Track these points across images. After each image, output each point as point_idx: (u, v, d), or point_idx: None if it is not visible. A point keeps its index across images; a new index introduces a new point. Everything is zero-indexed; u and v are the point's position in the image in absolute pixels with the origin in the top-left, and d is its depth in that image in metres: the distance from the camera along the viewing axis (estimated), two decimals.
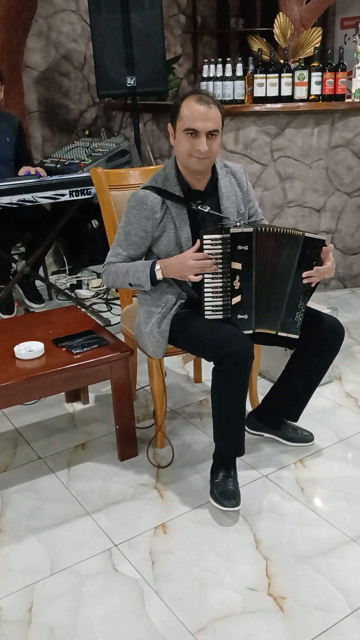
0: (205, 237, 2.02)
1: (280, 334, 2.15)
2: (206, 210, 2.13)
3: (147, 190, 2.15)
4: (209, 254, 2.03)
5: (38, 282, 4.12)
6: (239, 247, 2.02)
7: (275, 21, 4.05)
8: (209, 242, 2.02)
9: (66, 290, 4.20)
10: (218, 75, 3.79)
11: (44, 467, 2.39)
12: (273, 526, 2.05)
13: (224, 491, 2.09)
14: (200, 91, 2.10)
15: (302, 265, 2.09)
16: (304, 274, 2.09)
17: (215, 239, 2.02)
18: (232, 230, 2.01)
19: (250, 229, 2.03)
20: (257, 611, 1.73)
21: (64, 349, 2.27)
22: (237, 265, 2.04)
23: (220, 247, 2.03)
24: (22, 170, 3.60)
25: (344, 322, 2.99)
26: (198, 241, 2.04)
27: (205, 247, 2.02)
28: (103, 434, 2.60)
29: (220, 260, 2.04)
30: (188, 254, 2.05)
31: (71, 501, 2.19)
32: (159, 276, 2.10)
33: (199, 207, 2.12)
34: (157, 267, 2.10)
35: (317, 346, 2.21)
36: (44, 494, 2.23)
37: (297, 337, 2.15)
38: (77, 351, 2.24)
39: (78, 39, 5.06)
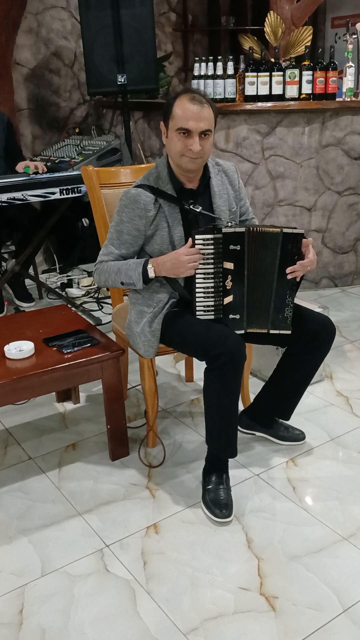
0: (197, 237, 2.02)
1: (271, 331, 2.15)
2: (197, 210, 2.12)
3: (140, 188, 2.14)
4: (200, 254, 2.03)
5: (28, 281, 4.09)
6: (231, 247, 2.02)
7: (266, 20, 4.04)
8: (201, 242, 2.02)
9: (57, 289, 4.18)
10: (209, 74, 3.78)
11: (35, 468, 2.37)
12: (265, 525, 2.05)
13: (216, 500, 2.09)
14: (193, 90, 2.09)
15: (285, 261, 2.09)
16: (288, 269, 2.09)
17: (207, 239, 2.02)
18: (225, 230, 2.01)
19: (242, 229, 2.03)
20: (249, 611, 1.73)
21: (54, 349, 2.26)
22: (229, 265, 2.03)
23: (212, 247, 2.03)
24: (20, 166, 3.56)
25: (335, 320, 3.00)
26: (190, 240, 2.04)
27: (197, 247, 2.02)
28: (94, 433, 2.58)
29: (212, 260, 2.03)
30: (180, 250, 2.05)
31: (62, 501, 2.18)
32: (152, 274, 2.09)
33: (191, 207, 2.12)
34: (150, 265, 2.09)
35: (308, 345, 2.21)
36: (34, 495, 2.22)
37: (289, 332, 2.15)
38: (68, 351, 2.23)
39: (68, 36, 5.03)
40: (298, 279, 2.13)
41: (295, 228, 2.09)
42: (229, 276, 2.04)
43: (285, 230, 2.07)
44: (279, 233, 2.06)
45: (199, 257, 2.02)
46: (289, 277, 2.10)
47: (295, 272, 2.10)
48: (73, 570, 1.88)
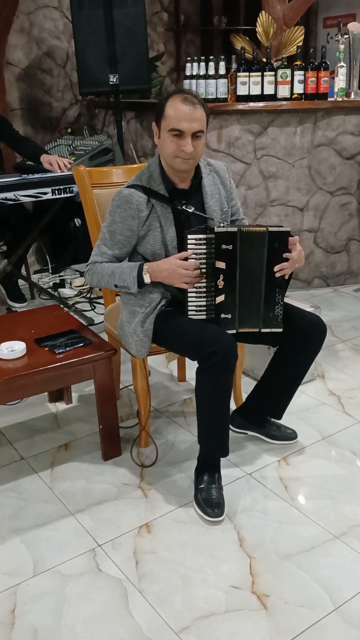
0: (189, 237, 2.02)
1: (263, 330, 2.15)
2: (190, 211, 2.12)
3: (132, 188, 2.14)
4: (193, 253, 2.03)
5: (20, 282, 4.09)
6: (223, 247, 2.02)
7: (258, 20, 4.05)
8: (194, 241, 2.02)
9: (49, 290, 4.18)
10: (201, 74, 3.78)
11: (27, 468, 2.37)
12: (257, 524, 2.05)
13: (208, 499, 2.09)
14: (185, 90, 2.09)
15: (272, 260, 2.10)
16: (276, 267, 2.10)
17: (200, 239, 2.02)
18: (217, 230, 2.01)
19: (235, 229, 2.04)
20: (241, 609, 1.73)
21: (46, 349, 2.26)
22: (221, 265, 2.04)
23: (204, 246, 2.03)
24: (45, 161, 3.54)
25: (327, 320, 3.01)
26: (189, 251, 2.04)
27: (189, 247, 2.02)
28: (86, 433, 2.58)
29: (204, 260, 2.04)
30: (178, 262, 2.04)
31: (54, 501, 2.18)
32: (147, 280, 2.09)
33: (184, 208, 2.12)
34: (145, 271, 2.09)
35: (299, 344, 2.22)
36: (27, 495, 2.22)
37: (280, 330, 2.15)
38: (60, 351, 2.23)
39: (60, 35, 5.03)
40: (287, 277, 2.14)
41: (281, 226, 2.09)
42: (221, 276, 2.04)
43: (271, 229, 2.07)
44: (264, 232, 2.07)
45: (197, 273, 2.02)
46: (277, 275, 2.11)
47: (283, 269, 2.11)
48: (65, 570, 1.88)
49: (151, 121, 2.15)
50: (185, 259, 2.03)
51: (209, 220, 2.17)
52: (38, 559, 1.93)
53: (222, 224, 2.10)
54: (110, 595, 1.79)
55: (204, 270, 2.05)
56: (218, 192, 2.24)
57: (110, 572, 1.87)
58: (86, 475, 2.32)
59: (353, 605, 1.73)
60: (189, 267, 2.02)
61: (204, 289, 2.07)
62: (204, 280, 2.06)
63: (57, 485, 2.27)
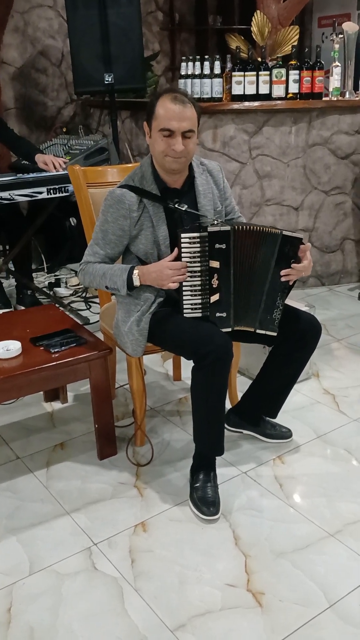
0: (182, 235, 2.02)
1: (258, 331, 2.16)
2: (183, 209, 2.12)
3: (124, 188, 2.14)
4: (187, 252, 2.03)
5: (9, 282, 4.08)
6: (217, 246, 2.02)
7: (253, 19, 4.05)
8: (187, 240, 2.02)
9: (44, 289, 4.17)
10: (196, 73, 3.78)
11: (23, 467, 2.37)
12: (252, 523, 2.06)
13: (203, 498, 2.10)
14: (175, 90, 2.09)
15: (280, 263, 2.10)
16: (282, 272, 2.10)
17: (193, 238, 2.02)
18: (210, 229, 2.01)
19: (228, 227, 2.03)
20: (236, 607, 1.74)
21: (41, 348, 2.26)
22: (215, 264, 2.04)
23: (198, 245, 2.03)
24: (40, 160, 3.55)
25: (322, 319, 3.02)
26: (176, 249, 2.04)
27: (183, 245, 2.02)
28: (82, 433, 2.59)
29: (199, 259, 2.04)
30: (165, 263, 2.05)
31: (50, 501, 2.19)
32: (137, 283, 2.10)
33: (176, 206, 2.12)
34: (135, 273, 2.09)
35: (294, 343, 2.23)
36: (23, 494, 2.22)
37: (274, 334, 2.16)
38: (55, 350, 2.23)
39: (55, 35, 5.02)
40: (291, 283, 2.15)
41: (294, 232, 2.10)
42: (215, 275, 2.04)
43: (285, 232, 2.08)
44: (278, 234, 2.07)
45: (184, 271, 2.02)
46: (282, 279, 2.11)
47: (290, 275, 2.11)
48: (61, 568, 1.89)
49: (144, 121, 2.16)
50: (176, 257, 2.04)
51: (203, 218, 2.17)
52: (34, 558, 1.93)
53: (215, 222, 2.10)
54: (106, 593, 1.79)
55: (197, 269, 2.05)
56: (211, 192, 2.24)
57: (106, 570, 1.88)
58: (82, 474, 2.32)
59: (347, 603, 1.74)
60: (175, 267, 2.03)
61: (199, 287, 2.07)
62: (199, 279, 2.06)
63: (52, 485, 2.27)
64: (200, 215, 2.17)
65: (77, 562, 1.91)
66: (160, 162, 2.12)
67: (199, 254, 2.04)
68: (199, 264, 2.05)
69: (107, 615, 1.72)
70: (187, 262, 2.04)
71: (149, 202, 2.13)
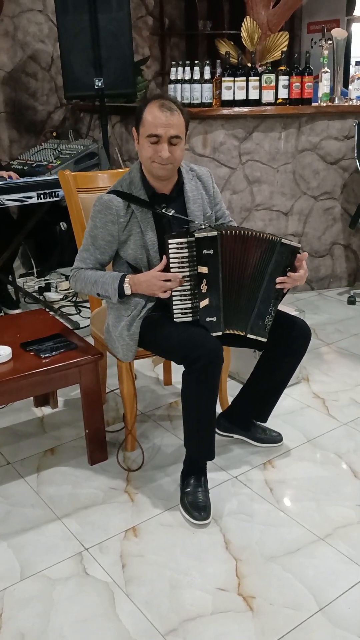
0: (170, 241, 2.02)
1: (249, 335, 2.17)
2: (170, 214, 2.13)
3: (112, 194, 2.15)
4: (175, 258, 2.03)
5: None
6: (205, 251, 2.02)
7: (243, 25, 4.08)
8: (175, 246, 2.02)
9: (34, 294, 4.17)
10: (186, 78, 3.79)
11: (13, 473, 2.37)
12: (242, 527, 2.07)
13: (194, 502, 2.10)
14: (163, 96, 2.09)
15: (276, 271, 2.11)
16: (278, 280, 2.12)
17: (181, 243, 2.02)
18: (197, 235, 2.01)
19: (215, 233, 2.03)
20: (227, 611, 1.75)
21: (32, 353, 2.26)
22: (203, 269, 2.04)
23: (186, 250, 2.03)
24: None
25: (311, 323, 3.04)
26: (165, 257, 2.05)
27: (170, 251, 2.02)
28: (72, 438, 2.59)
29: (187, 264, 2.05)
30: (155, 272, 2.06)
31: (41, 506, 2.18)
32: (128, 292, 2.11)
33: (164, 211, 2.13)
34: (126, 282, 2.10)
35: (285, 348, 2.24)
36: (13, 499, 2.22)
37: (265, 340, 2.17)
38: (46, 355, 2.23)
39: (45, 39, 5.02)
40: (285, 291, 2.16)
41: (292, 241, 2.12)
42: (204, 280, 2.05)
43: (284, 240, 2.09)
44: (276, 242, 2.09)
45: (174, 283, 2.02)
46: (277, 287, 2.12)
47: (285, 283, 2.13)
48: (52, 573, 1.88)
49: (133, 127, 2.16)
50: (166, 265, 2.05)
51: (191, 224, 2.17)
52: (25, 563, 1.93)
53: (203, 226, 2.11)
54: (97, 598, 1.79)
55: (186, 274, 2.05)
56: (201, 198, 2.25)
57: (97, 575, 1.88)
58: (72, 479, 2.32)
59: (337, 606, 1.75)
60: (166, 277, 2.03)
61: (189, 292, 2.07)
62: (188, 284, 2.06)
63: (43, 490, 2.27)
64: (189, 221, 2.18)
65: (68, 567, 1.91)
66: (148, 168, 2.13)
67: (187, 259, 2.04)
68: (187, 269, 2.05)
69: (98, 620, 1.72)
70: (176, 267, 2.04)
71: (137, 208, 2.14)
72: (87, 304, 3.84)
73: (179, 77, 3.81)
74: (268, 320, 2.15)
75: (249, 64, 3.86)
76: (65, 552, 1.97)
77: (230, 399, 2.57)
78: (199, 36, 5.84)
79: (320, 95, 4.02)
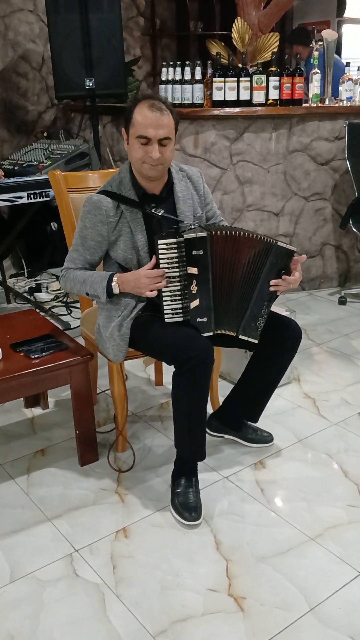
0: (159, 241, 2.02)
1: (240, 336, 2.17)
2: (159, 214, 2.12)
3: (101, 194, 2.14)
4: (164, 258, 2.03)
5: None
6: (194, 252, 2.02)
7: (234, 26, 4.08)
8: (164, 246, 2.02)
9: (24, 294, 4.15)
10: (177, 79, 3.79)
11: (3, 474, 2.36)
12: (233, 527, 2.07)
13: (185, 503, 2.10)
14: (152, 97, 2.09)
15: (270, 273, 2.11)
16: (272, 282, 2.12)
17: (170, 244, 2.02)
18: (186, 236, 2.00)
19: (204, 233, 2.02)
20: (217, 612, 1.74)
21: (21, 354, 2.25)
22: (193, 270, 2.03)
23: (175, 251, 2.03)
24: None
25: (302, 324, 3.04)
26: (154, 257, 2.04)
27: (160, 252, 2.02)
28: (63, 439, 2.58)
29: (177, 264, 2.04)
30: (143, 271, 2.05)
31: (31, 507, 2.17)
32: (116, 290, 2.11)
33: (153, 211, 2.12)
34: (114, 281, 2.10)
35: (275, 348, 2.24)
36: (3, 501, 2.21)
37: (256, 341, 2.17)
38: (36, 356, 2.22)
39: (36, 39, 5.01)
40: (279, 293, 2.16)
41: (288, 244, 2.12)
42: (194, 280, 2.04)
43: (280, 243, 2.09)
44: (272, 244, 2.09)
45: (161, 279, 2.02)
46: (271, 289, 2.13)
47: (279, 286, 2.13)
48: (42, 575, 1.88)
49: (122, 127, 2.16)
50: (155, 264, 2.04)
51: (181, 224, 2.16)
52: (15, 565, 1.92)
53: (193, 226, 2.10)
54: (87, 600, 1.79)
55: (176, 274, 2.05)
56: (191, 198, 2.25)
57: (88, 577, 1.87)
58: (63, 480, 2.31)
59: (328, 606, 1.75)
60: (152, 275, 2.03)
61: (179, 293, 2.07)
62: (178, 284, 2.06)
63: (33, 491, 2.26)
64: (178, 221, 2.17)
65: (58, 569, 1.90)
66: (137, 169, 2.12)
67: (176, 260, 2.04)
68: (177, 270, 2.05)
69: (89, 621, 1.72)
70: (166, 268, 2.04)
71: (127, 208, 2.13)
72: (78, 305, 3.82)
73: (170, 78, 3.80)
74: (260, 322, 2.15)
75: (240, 65, 3.86)
76: (56, 553, 1.96)
77: (221, 399, 2.57)
78: (190, 37, 5.85)
79: (311, 96, 4.03)
